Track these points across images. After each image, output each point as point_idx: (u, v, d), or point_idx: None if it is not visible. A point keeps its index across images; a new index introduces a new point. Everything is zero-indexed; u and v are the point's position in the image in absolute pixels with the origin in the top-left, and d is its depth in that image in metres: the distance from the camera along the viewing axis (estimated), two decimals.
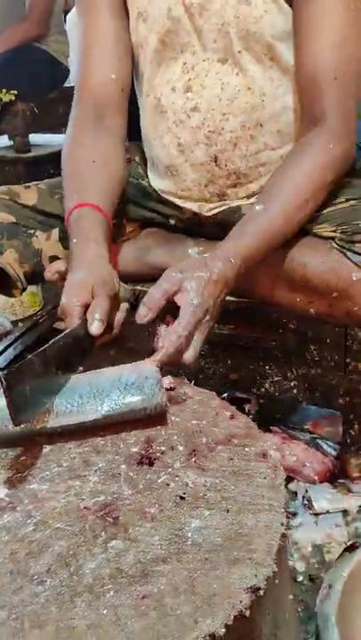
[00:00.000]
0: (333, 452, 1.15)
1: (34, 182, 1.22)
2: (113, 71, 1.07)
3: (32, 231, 1.12)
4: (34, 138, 2.74)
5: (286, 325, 1.07)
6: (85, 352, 0.78)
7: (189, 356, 0.79)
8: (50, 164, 2.21)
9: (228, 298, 1.10)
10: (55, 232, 1.14)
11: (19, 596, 0.51)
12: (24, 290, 1.19)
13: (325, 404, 1.12)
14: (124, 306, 0.89)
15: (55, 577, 0.53)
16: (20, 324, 1.81)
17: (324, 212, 1.03)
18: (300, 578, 0.96)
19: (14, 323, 1.80)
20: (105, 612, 0.49)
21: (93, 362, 0.79)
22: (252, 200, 1.10)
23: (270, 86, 1.03)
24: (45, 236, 1.13)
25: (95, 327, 0.78)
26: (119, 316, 0.87)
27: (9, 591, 0.52)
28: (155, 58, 1.07)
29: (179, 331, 0.78)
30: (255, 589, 0.51)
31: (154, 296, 0.81)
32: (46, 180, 1.21)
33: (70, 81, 2.63)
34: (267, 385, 1.12)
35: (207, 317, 0.81)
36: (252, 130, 1.05)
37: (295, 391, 1.11)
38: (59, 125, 2.61)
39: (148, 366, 0.72)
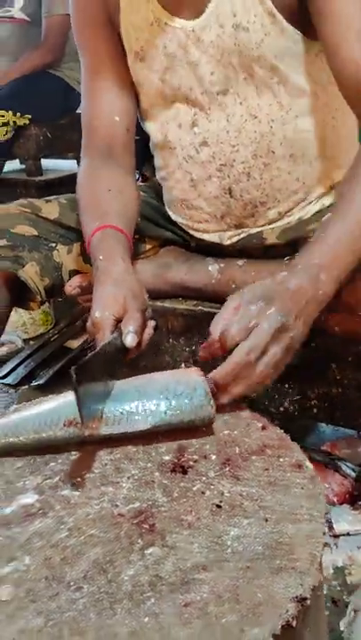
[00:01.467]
0: (353, 474, 1.13)
1: (54, 196, 1.22)
2: (116, 113, 1.07)
3: (53, 244, 1.12)
4: (45, 162, 2.78)
5: (307, 343, 1.06)
6: (118, 366, 0.76)
7: (255, 376, 0.72)
8: (61, 188, 2.23)
9: None
10: (76, 246, 1.14)
11: (55, 603, 0.49)
12: (42, 303, 1.19)
13: (346, 423, 1.10)
14: (152, 323, 0.87)
15: (92, 583, 0.51)
16: (32, 343, 1.81)
17: None
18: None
19: (25, 341, 1.79)
20: (146, 619, 0.48)
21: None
22: (273, 225, 1.10)
23: (279, 111, 1.00)
24: (67, 250, 1.13)
25: (130, 339, 0.76)
26: (148, 332, 0.84)
27: (45, 597, 0.50)
28: (157, 96, 1.05)
29: (244, 349, 0.71)
30: (301, 599, 0.49)
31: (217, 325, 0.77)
32: (67, 195, 1.22)
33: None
34: (286, 404, 1.11)
35: (285, 334, 0.73)
36: (265, 158, 1.03)
37: (315, 410, 1.10)
38: (70, 150, 2.65)
39: (196, 376, 0.71)
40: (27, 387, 1.56)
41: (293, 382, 1.10)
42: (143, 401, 0.68)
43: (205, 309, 1.11)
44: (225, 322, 0.75)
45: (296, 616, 0.48)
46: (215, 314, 1.12)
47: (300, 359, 1.08)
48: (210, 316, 1.13)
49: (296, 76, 0.99)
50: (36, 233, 1.12)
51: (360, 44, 0.88)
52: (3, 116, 2.42)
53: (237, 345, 0.72)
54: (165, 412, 0.67)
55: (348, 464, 1.14)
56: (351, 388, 1.05)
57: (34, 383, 1.52)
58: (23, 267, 1.08)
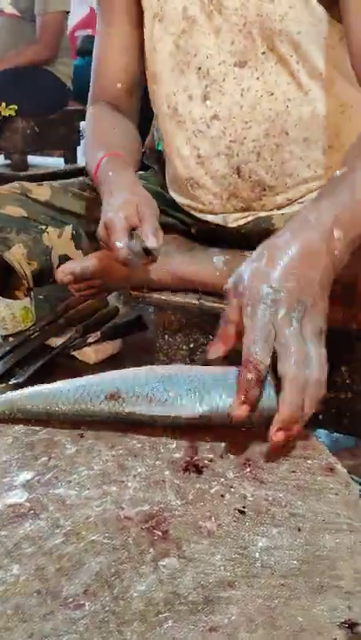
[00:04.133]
0: (358, 487, 1.05)
1: (46, 182, 1.15)
2: (120, 80, 1.08)
3: (43, 227, 1.04)
4: (30, 159, 2.70)
5: None
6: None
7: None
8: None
9: None
10: (68, 229, 1.06)
11: (50, 623, 0.40)
12: (29, 290, 1.10)
13: (354, 431, 1.02)
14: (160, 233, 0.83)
15: (95, 600, 0.42)
16: (11, 339, 1.70)
17: None
18: None
19: (4, 337, 1.69)
20: None
21: None
22: (284, 211, 1.03)
23: (297, 91, 0.94)
24: (57, 233, 1.05)
25: (152, 240, 0.75)
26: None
27: (37, 616, 0.41)
28: (169, 62, 0.99)
29: (291, 372, 0.56)
30: (352, 624, 0.40)
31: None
32: (59, 180, 1.14)
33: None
34: None
35: (311, 325, 0.59)
36: (277, 138, 0.96)
37: (321, 417, 1.02)
38: (58, 147, 2.57)
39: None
40: (4, 385, 1.46)
41: None
42: (195, 386, 0.60)
43: (208, 304, 1.03)
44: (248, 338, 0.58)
45: None
46: (218, 309, 1.05)
47: None
48: (212, 312, 1.06)
49: (317, 58, 0.93)
50: (25, 214, 1.04)
51: None
52: None
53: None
54: (217, 402, 0.58)
55: (353, 477, 1.06)
56: None
57: (12, 381, 1.43)
58: (10, 249, 1.00)
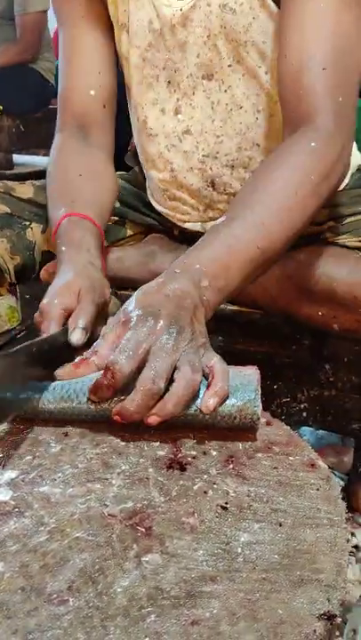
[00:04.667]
0: (341, 483, 1.06)
1: (28, 181, 1.14)
2: (92, 87, 0.99)
3: (27, 223, 1.05)
4: (15, 158, 2.68)
5: (299, 341, 1.00)
6: (61, 363, 0.64)
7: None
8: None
9: (232, 308, 1.03)
10: None
11: (34, 619, 0.41)
12: (11, 286, 1.10)
13: (337, 428, 1.04)
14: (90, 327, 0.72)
15: (79, 596, 0.42)
16: None
17: (346, 222, 0.97)
18: None
19: None
20: None
21: None
22: None
23: (266, 102, 0.93)
24: (40, 229, 1.05)
25: (77, 336, 0.66)
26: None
27: (21, 612, 0.41)
28: (136, 75, 0.98)
29: (147, 379, 0.57)
30: (330, 616, 0.41)
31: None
32: (41, 180, 1.14)
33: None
34: (273, 407, 1.04)
35: (186, 344, 0.59)
36: (249, 151, 0.96)
37: (304, 414, 1.03)
38: (43, 145, 2.56)
39: (251, 372, 0.62)
40: None
41: (282, 383, 1.03)
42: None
43: None
44: (105, 355, 0.60)
45: (324, 636, 0.41)
46: None
47: (290, 358, 1.02)
48: None
49: None
50: (8, 210, 1.04)
51: (313, 32, 0.79)
52: None
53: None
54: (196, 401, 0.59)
55: (336, 472, 1.08)
56: (346, 391, 0.99)
57: None
58: None
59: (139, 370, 0.57)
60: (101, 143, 1.01)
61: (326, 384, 1.00)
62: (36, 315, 0.71)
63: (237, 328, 1.02)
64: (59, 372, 0.63)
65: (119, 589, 0.43)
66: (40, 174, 1.07)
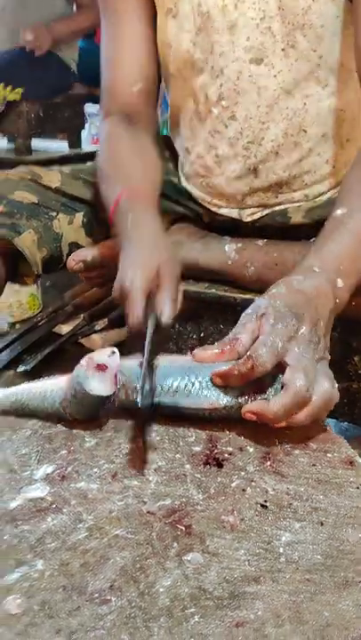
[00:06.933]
0: None
1: (55, 166, 1.13)
2: (136, 82, 0.99)
3: (54, 213, 1.03)
4: (34, 142, 2.67)
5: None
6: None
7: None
8: None
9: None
10: (79, 216, 1.04)
11: (77, 619, 0.40)
12: (38, 277, 1.09)
13: None
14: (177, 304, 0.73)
15: (121, 595, 0.42)
16: (18, 326, 1.70)
17: None
18: None
19: (12, 325, 1.69)
20: None
21: None
22: (301, 203, 1.02)
23: (315, 87, 0.91)
24: (68, 220, 1.04)
25: (167, 315, 0.65)
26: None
27: (63, 611, 0.41)
28: (185, 59, 0.96)
29: (299, 384, 0.57)
30: None
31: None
32: (68, 166, 1.13)
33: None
34: None
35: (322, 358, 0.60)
36: (295, 137, 0.94)
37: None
38: (62, 131, 2.54)
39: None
40: (12, 372, 1.46)
41: None
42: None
43: (219, 293, 1.02)
44: (246, 344, 0.59)
45: None
46: (229, 298, 1.04)
47: None
48: (222, 301, 1.05)
49: (336, 50, 0.90)
50: (35, 200, 1.02)
51: None
52: None
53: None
54: (242, 394, 0.58)
55: None
56: None
57: (20, 369, 1.43)
58: (20, 234, 0.99)
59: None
60: (146, 127, 1.01)
61: (355, 376, 0.99)
62: (115, 290, 0.70)
63: None
64: (199, 353, 0.61)
65: (161, 589, 0.42)
66: (60, 161, 1.06)
